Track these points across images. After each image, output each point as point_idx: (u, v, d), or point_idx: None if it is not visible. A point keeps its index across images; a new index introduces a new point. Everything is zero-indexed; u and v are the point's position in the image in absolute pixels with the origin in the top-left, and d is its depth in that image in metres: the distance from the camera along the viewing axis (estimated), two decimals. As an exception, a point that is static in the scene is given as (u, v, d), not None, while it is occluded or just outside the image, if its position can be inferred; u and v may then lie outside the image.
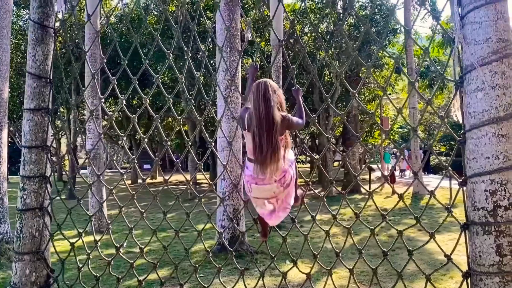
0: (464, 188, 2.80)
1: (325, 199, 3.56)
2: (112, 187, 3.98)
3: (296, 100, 3.09)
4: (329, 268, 3.55)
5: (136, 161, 4.12)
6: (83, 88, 4.05)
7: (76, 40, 13.93)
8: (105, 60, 3.75)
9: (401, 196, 3.24)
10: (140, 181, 27.35)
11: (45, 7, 3.83)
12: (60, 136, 22.21)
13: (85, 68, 9.10)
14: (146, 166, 36.91)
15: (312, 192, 4.33)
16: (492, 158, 2.62)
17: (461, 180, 2.79)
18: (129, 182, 27.93)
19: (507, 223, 2.56)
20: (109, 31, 16.55)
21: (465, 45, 2.78)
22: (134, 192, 3.99)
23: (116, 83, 3.75)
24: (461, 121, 2.89)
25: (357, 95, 3.42)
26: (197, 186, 22.35)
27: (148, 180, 28.60)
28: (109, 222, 4.09)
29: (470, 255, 2.72)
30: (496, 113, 2.63)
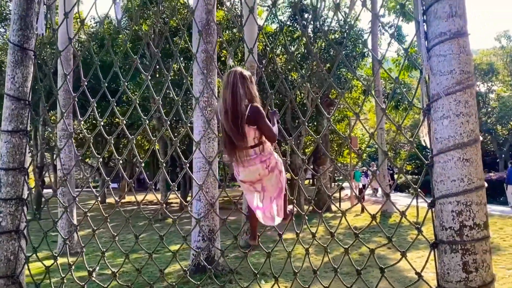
0: (433, 209, 2.98)
1: (306, 217, 3.69)
2: (86, 210, 3.98)
3: (271, 121, 3.24)
4: (306, 286, 3.64)
5: (110, 183, 4.13)
6: (63, 111, 4.06)
7: (45, 58, 13.77)
8: (86, 83, 3.80)
9: (373, 217, 3.39)
10: (108, 201, 26.79)
11: (25, 30, 3.86)
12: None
13: (53, 85, 9.00)
14: (113, 185, 36.59)
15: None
16: (458, 180, 2.81)
17: (429, 202, 2.97)
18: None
19: (472, 242, 2.74)
20: (80, 50, 16.44)
21: (432, 76, 2.99)
22: (107, 215, 4.00)
23: (95, 105, 3.80)
24: (429, 146, 3.09)
25: (328, 118, 3.60)
26: (167, 206, 22.12)
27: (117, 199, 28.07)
28: (83, 245, 4.06)
29: (439, 272, 2.88)
30: (460, 139, 2.83)
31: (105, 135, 3.77)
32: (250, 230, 3.65)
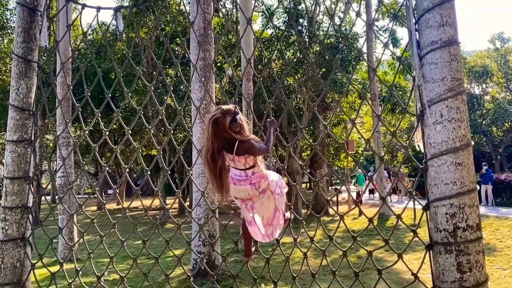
0: (427, 211, 3.08)
1: (304, 222, 3.78)
2: (93, 217, 4.07)
3: (268, 130, 3.36)
4: (305, 289, 3.73)
5: (112, 188, 4.21)
6: (67, 120, 4.16)
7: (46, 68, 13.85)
8: (89, 93, 3.90)
9: (371, 220, 3.49)
10: (106, 206, 26.85)
11: (29, 42, 3.96)
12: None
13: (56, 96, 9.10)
14: (110, 191, 36.75)
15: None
16: (451, 184, 2.91)
17: (424, 205, 3.07)
18: (95, 208, 27.36)
19: (465, 243, 2.84)
20: (78, 58, 16.53)
21: (424, 83, 3.11)
22: (114, 221, 4.10)
23: (99, 115, 3.89)
24: (423, 151, 3.20)
25: (325, 124, 3.72)
26: (166, 212, 22.19)
27: (115, 206, 28.16)
28: (90, 251, 4.15)
29: (434, 272, 2.98)
30: (453, 143, 2.94)
31: (111, 145, 3.86)
32: (244, 246, 3.68)
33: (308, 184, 42.49)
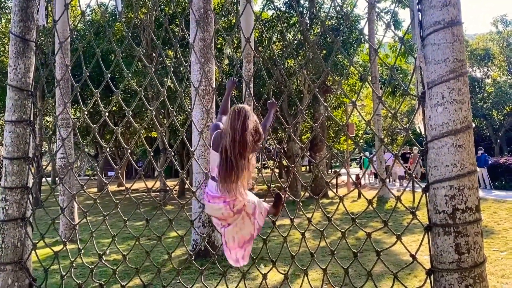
0: (427, 193, 3.09)
1: (300, 204, 3.79)
2: (96, 197, 4.09)
3: (268, 111, 3.34)
4: (305, 268, 3.77)
5: (116, 170, 4.21)
6: (66, 101, 4.14)
7: (44, 49, 13.75)
8: (88, 74, 3.87)
9: (370, 202, 3.50)
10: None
11: (27, 21, 3.91)
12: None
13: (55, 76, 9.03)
14: (110, 173, 37.05)
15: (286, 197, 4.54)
16: (451, 166, 2.91)
17: (424, 187, 3.07)
18: (95, 190, 27.49)
19: (464, 225, 2.85)
20: (77, 39, 16.37)
21: (426, 64, 3.08)
22: (117, 201, 4.12)
23: (98, 96, 3.87)
24: (423, 133, 3.19)
25: (326, 106, 3.71)
26: (168, 193, 22.29)
27: (115, 188, 28.33)
28: (92, 230, 4.18)
29: (433, 254, 3.00)
30: (454, 125, 2.93)
31: (112, 126, 3.85)
32: None
33: (307, 167, 42.58)
